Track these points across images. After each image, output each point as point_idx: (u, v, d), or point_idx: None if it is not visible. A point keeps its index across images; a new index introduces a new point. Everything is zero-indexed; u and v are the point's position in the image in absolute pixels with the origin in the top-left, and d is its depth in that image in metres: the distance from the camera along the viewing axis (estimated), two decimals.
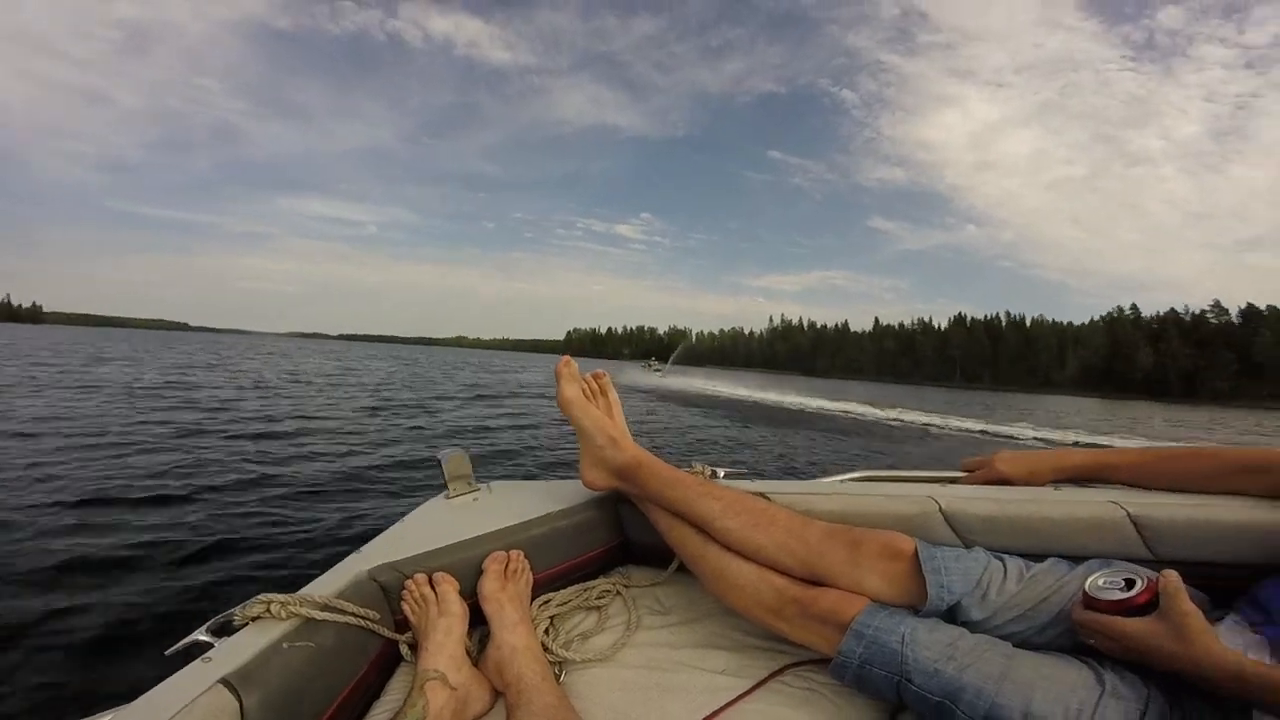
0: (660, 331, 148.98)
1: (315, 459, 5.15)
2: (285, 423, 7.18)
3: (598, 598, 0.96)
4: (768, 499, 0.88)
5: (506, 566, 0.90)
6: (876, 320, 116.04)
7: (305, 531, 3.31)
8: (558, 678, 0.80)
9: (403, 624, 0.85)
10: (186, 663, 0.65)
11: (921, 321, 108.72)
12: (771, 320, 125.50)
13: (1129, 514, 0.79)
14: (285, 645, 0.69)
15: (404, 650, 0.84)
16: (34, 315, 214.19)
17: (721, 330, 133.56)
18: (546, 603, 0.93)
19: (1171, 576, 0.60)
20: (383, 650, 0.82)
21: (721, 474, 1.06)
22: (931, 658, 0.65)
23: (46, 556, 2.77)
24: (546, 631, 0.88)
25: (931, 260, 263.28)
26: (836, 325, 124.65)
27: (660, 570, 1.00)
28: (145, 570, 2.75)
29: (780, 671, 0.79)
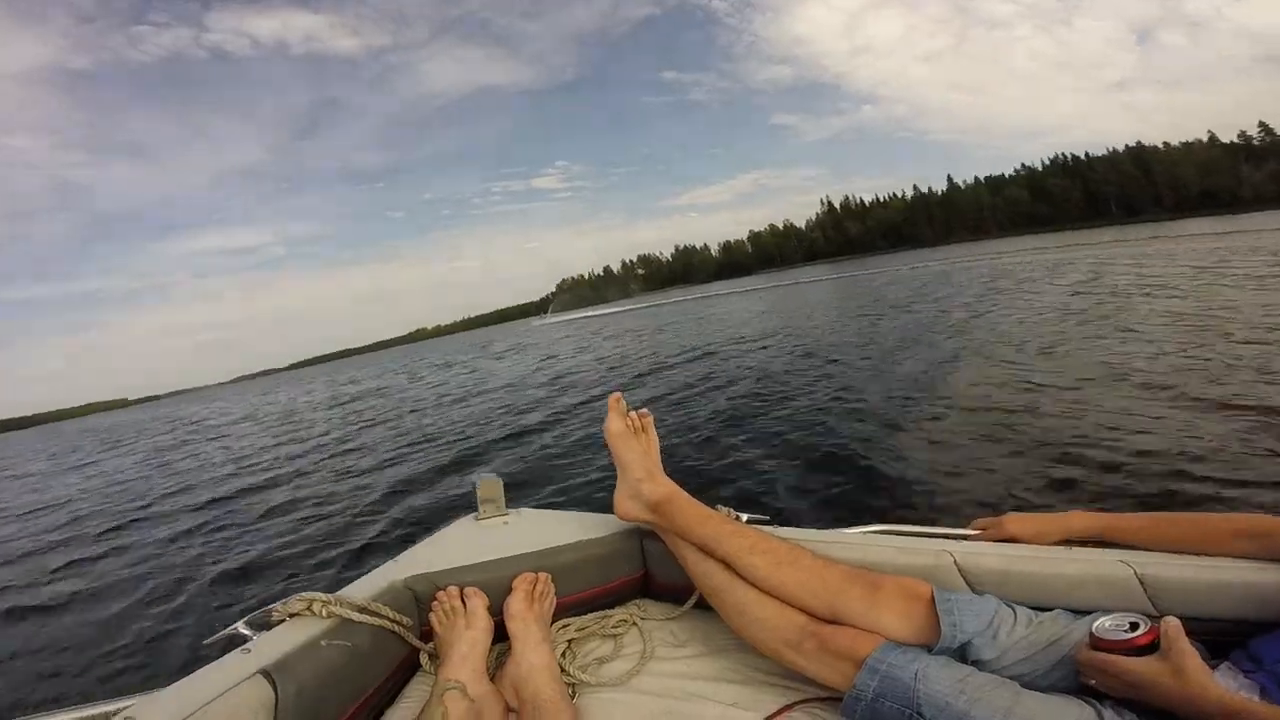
0: (665, 256, 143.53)
1: (331, 482, 5.37)
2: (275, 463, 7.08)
3: (615, 626, 0.99)
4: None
5: (534, 588, 0.94)
6: (978, 178, 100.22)
7: (330, 542, 3.52)
8: (571, 699, 0.82)
9: (427, 634, 0.90)
10: (224, 653, 0.71)
11: (1065, 156, 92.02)
12: (825, 202, 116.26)
13: (1135, 572, 0.81)
14: (324, 643, 0.74)
15: (424, 659, 0.89)
16: None
17: (764, 229, 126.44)
18: (566, 626, 0.97)
19: (1173, 621, 0.64)
20: (407, 656, 0.88)
21: (744, 518, 1.03)
22: (943, 692, 0.67)
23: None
24: (564, 654, 0.92)
25: (840, 145, 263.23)
26: (900, 193, 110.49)
27: (677, 605, 1.02)
28: (188, 572, 3.28)
29: (790, 707, 0.81)
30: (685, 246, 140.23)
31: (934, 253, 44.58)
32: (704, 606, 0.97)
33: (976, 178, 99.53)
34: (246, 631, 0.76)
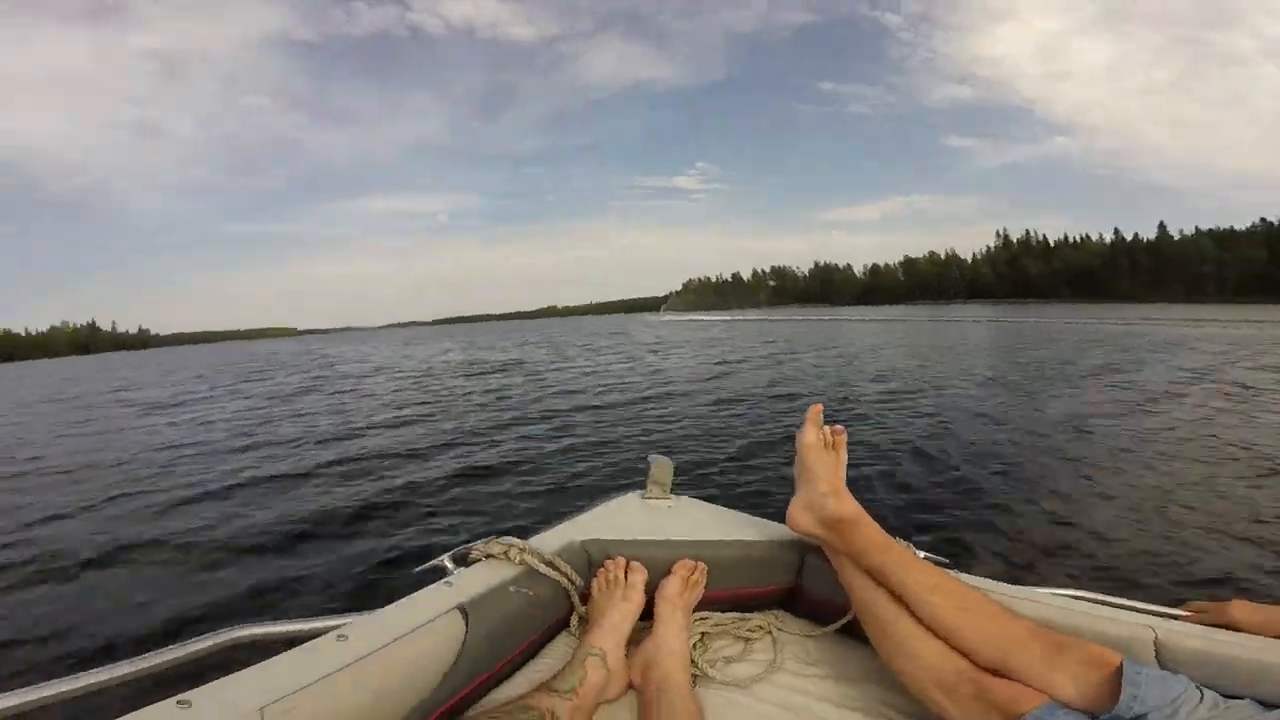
0: (801, 271, 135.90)
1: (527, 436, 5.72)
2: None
3: (750, 630, 0.99)
4: None
5: (691, 575, 0.97)
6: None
7: (513, 491, 3.90)
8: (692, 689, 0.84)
9: (584, 596, 0.93)
10: (428, 581, 0.79)
11: None
12: (1000, 235, 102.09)
13: None
14: (512, 589, 0.79)
15: (573, 620, 0.92)
16: (143, 341, 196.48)
17: (923, 256, 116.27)
18: (703, 619, 0.99)
19: None
20: (565, 614, 0.91)
21: (921, 554, 0.97)
22: None
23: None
24: (694, 645, 0.93)
25: (1022, 174, 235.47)
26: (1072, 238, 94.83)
27: (818, 624, 1.01)
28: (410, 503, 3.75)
29: None
30: (825, 264, 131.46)
31: (1137, 310, 38.39)
32: (848, 632, 0.95)
33: (1197, 228, 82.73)
34: (449, 565, 0.85)
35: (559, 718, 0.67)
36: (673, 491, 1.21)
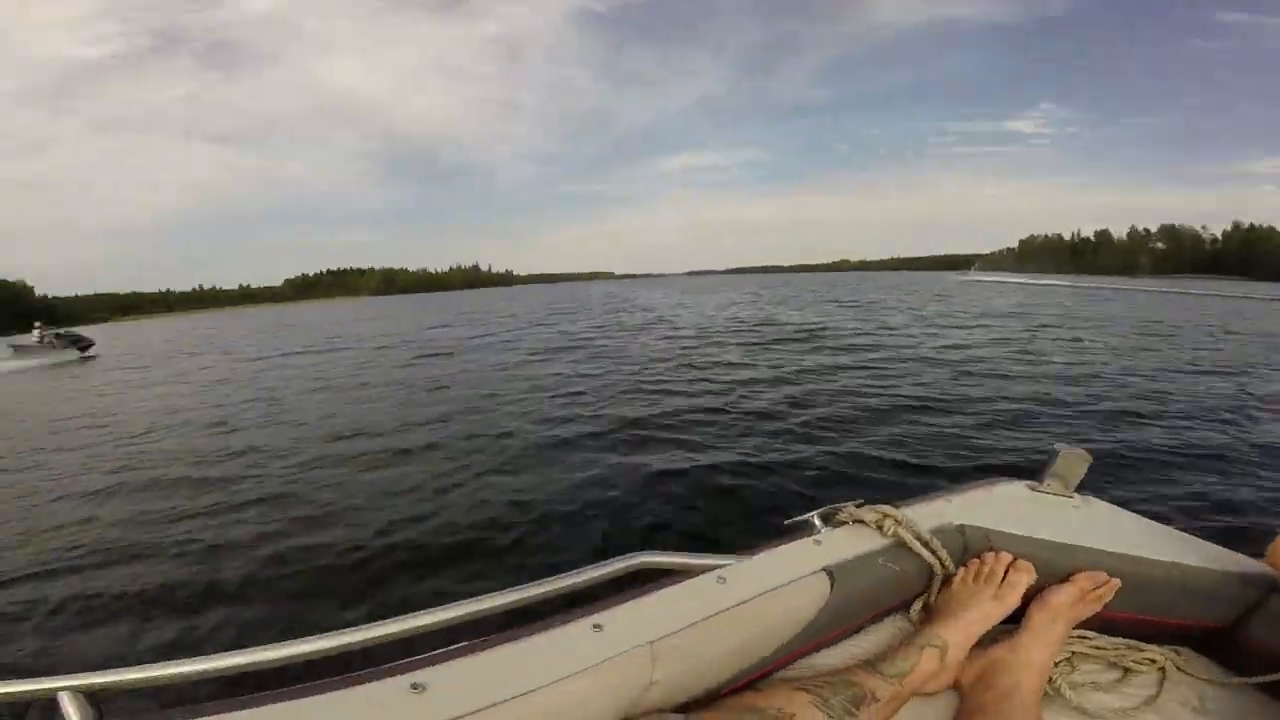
0: (1210, 232, 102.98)
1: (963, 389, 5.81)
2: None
3: (1138, 661, 0.86)
4: None
5: (1094, 590, 0.84)
6: None
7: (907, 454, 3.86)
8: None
9: (947, 581, 0.85)
10: (794, 534, 0.81)
11: None
12: None
13: None
14: (881, 561, 0.77)
15: (917, 604, 0.85)
16: (507, 280, 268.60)
17: None
18: (1082, 638, 0.87)
19: None
20: (919, 595, 0.84)
21: None
22: None
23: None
24: (1059, 664, 0.84)
25: None
26: None
27: (1229, 672, 0.86)
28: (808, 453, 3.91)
29: None
30: (1247, 225, 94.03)
31: None
32: (1276, 693, 0.78)
33: None
34: (817, 522, 0.83)
35: (879, 699, 0.65)
36: (1077, 490, 1.07)
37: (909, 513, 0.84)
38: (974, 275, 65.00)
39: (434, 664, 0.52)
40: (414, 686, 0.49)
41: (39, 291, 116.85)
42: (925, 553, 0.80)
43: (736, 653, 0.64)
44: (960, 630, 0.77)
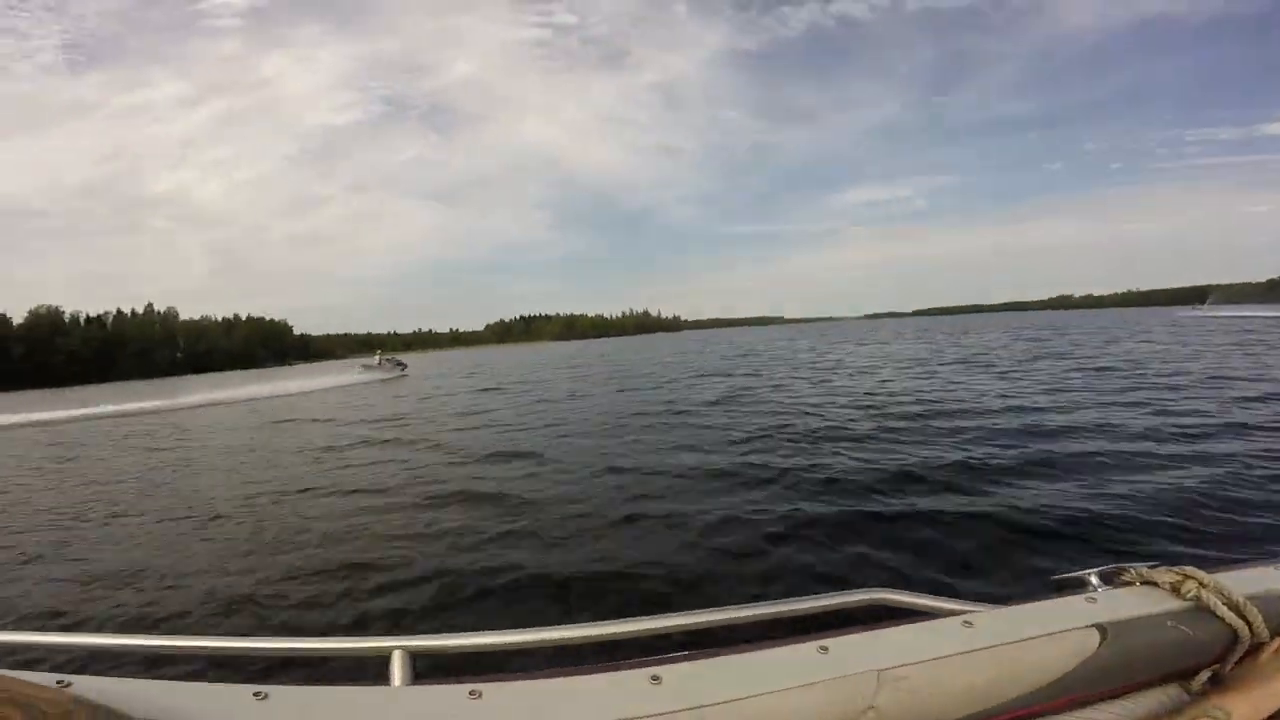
0: None
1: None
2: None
3: None
4: None
5: None
6: None
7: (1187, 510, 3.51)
8: None
9: (1251, 649, 0.77)
10: (1063, 590, 0.76)
11: None
12: None
13: None
14: (1169, 623, 0.70)
15: (1204, 673, 0.76)
16: (675, 325, 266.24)
17: None
18: None
19: None
20: (1204, 664, 0.75)
21: None
22: None
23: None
24: None
25: None
26: None
27: None
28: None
29: None
30: None
31: None
32: None
33: None
34: (1094, 580, 0.77)
35: None
36: None
37: (1223, 579, 0.75)
38: (1206, 310, 51.51)
39: (670, 662, 0.57)
40: (653, 679, 0.54)
41: (296, 330, 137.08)
42: (1234, 619, 0.70)
43: (973, 693, 0.60)
44: (1251, 705, 0.69)
